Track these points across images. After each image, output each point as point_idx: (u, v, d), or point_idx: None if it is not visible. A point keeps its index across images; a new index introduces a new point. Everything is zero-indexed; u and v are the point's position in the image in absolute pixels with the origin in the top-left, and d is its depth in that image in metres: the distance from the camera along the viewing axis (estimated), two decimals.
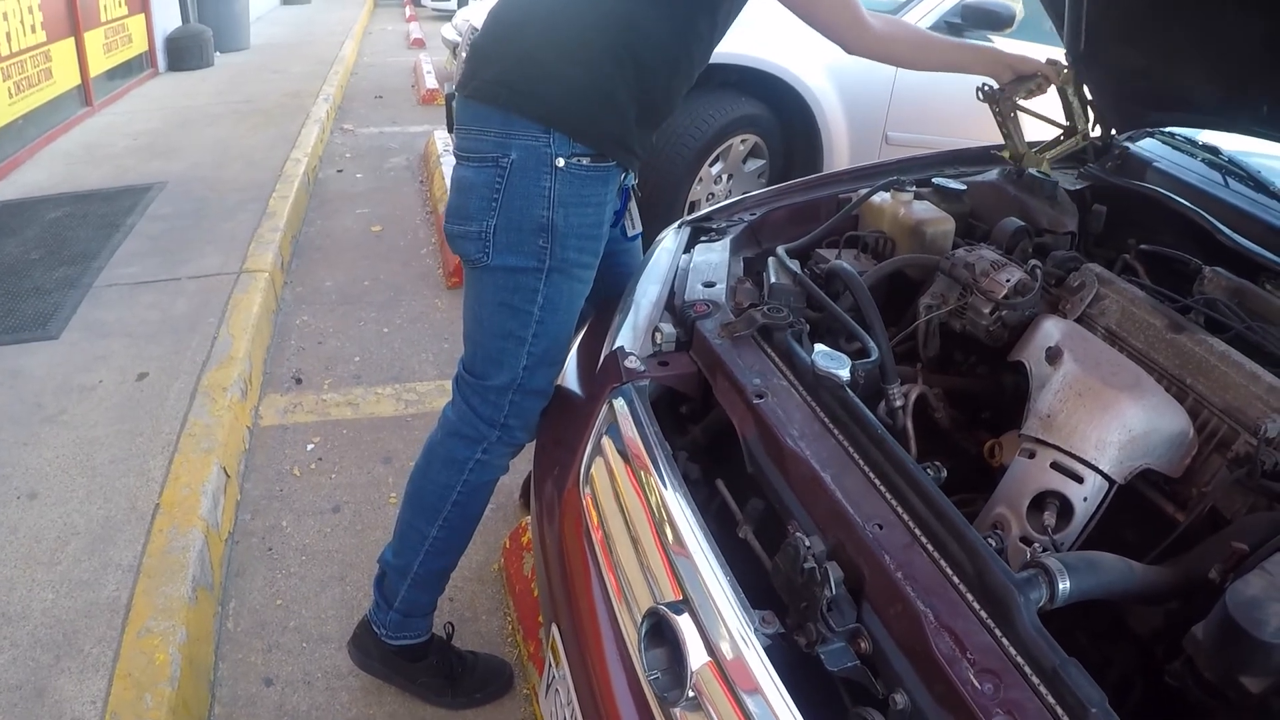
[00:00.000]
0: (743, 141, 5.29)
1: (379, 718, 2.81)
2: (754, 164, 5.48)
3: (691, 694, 1.45)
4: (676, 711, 1.48)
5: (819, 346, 1.83)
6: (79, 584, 3.05)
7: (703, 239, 2.50)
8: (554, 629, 1.96)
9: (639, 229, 2.55)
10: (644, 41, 2.12)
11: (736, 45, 4.74)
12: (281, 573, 3.36)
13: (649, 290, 2.29)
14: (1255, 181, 2.85)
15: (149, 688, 2.61)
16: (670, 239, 2.53)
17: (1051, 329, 2.05)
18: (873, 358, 1.92)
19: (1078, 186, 2.91)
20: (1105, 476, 1.81)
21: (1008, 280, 2.17)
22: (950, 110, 5.15)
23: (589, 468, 1.98)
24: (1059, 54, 2.98)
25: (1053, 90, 2.86)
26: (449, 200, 2.24)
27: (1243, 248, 2.47)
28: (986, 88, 2.75)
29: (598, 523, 1.88)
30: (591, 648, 1.76)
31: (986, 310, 2.16)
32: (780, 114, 5.35)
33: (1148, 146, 3.24)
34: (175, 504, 3.38)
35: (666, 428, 1.98)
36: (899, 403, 2.05)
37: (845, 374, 1.76)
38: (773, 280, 2.22)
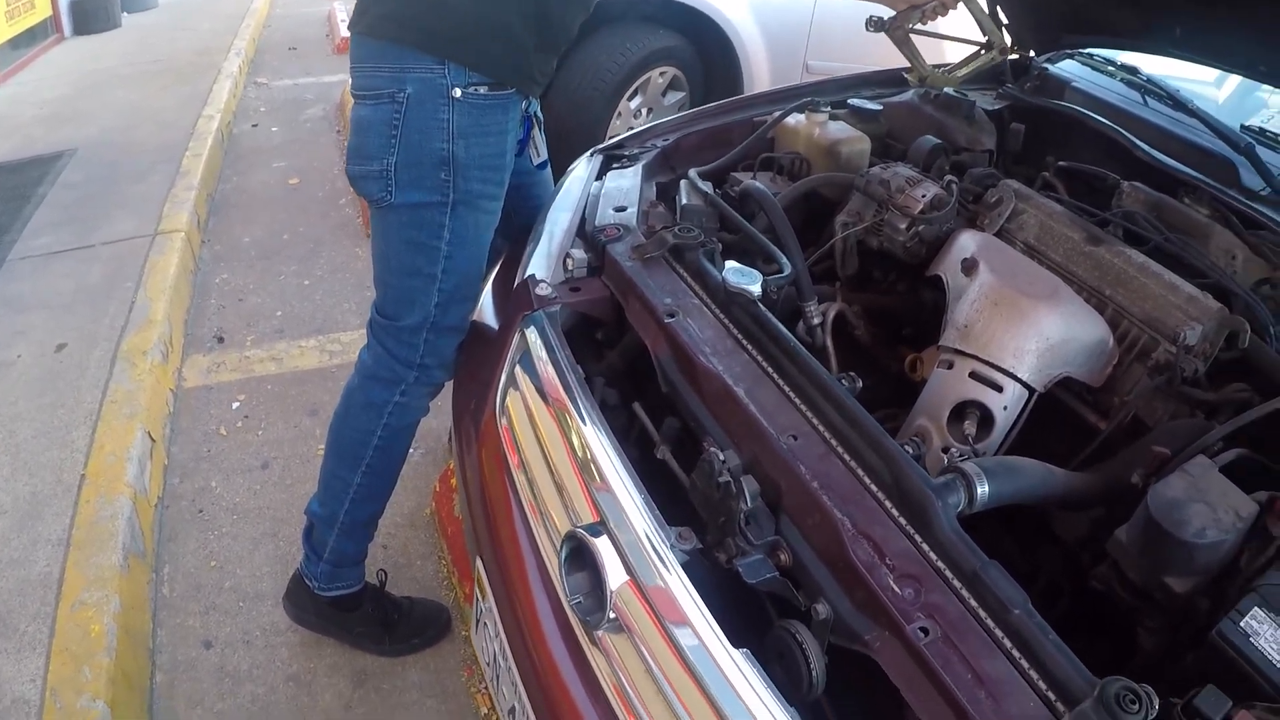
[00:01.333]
0: (661, 74, 5.21)
1: (319, 671, 2.78)
2: (674, 96, 5.40)
3: (613, 615, 1.44)
4: (600, 634, 1.47)
5: (730, 263, 1.80)
6: (9, 563, 2.98)
7: (615, 166, 2.46)
8: (479, 562, 1.94)
9: (544, 156, 2.51)
10: None
11: None
12: (214, 534, 3.31)
13: (560, 218, 2.26)
14: (1173, 100, 2.84)
15: (87, 660, 2.57)
16: (582, 167, 2.49)
17: (968, 241, 2.04)
18: (785, 273, 1.90)
19: (996, 107, 2.90)
20: (1024, 385, 1.81)
21: (923, 196, 2.15)
22: (873, 37, 5.07)
23: (504, 398, 1.95)
24: None
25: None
26: (349, 142, 2.19)
27: (1161, 163, 2.47)
28: (874, 18, 2.71)
29: (515, 452, 1.85)
30: (515, 578, 1.74)
31: (903, 226, 2.13)
32: (699, 46, 5.28)
33: (1066, 68, 3.23)
34: (101, 473, 3.30)
35: (583, 355, 1.96)
36: (817, 320, 2.03)
37: (756, 289, 1.74)
38: (684, 202, 2.19)
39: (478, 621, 1.99)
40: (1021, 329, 1.80)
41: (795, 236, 2.07)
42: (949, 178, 2.23)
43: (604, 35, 4.94)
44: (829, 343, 2.05)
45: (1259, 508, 1.49)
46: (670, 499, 1.58)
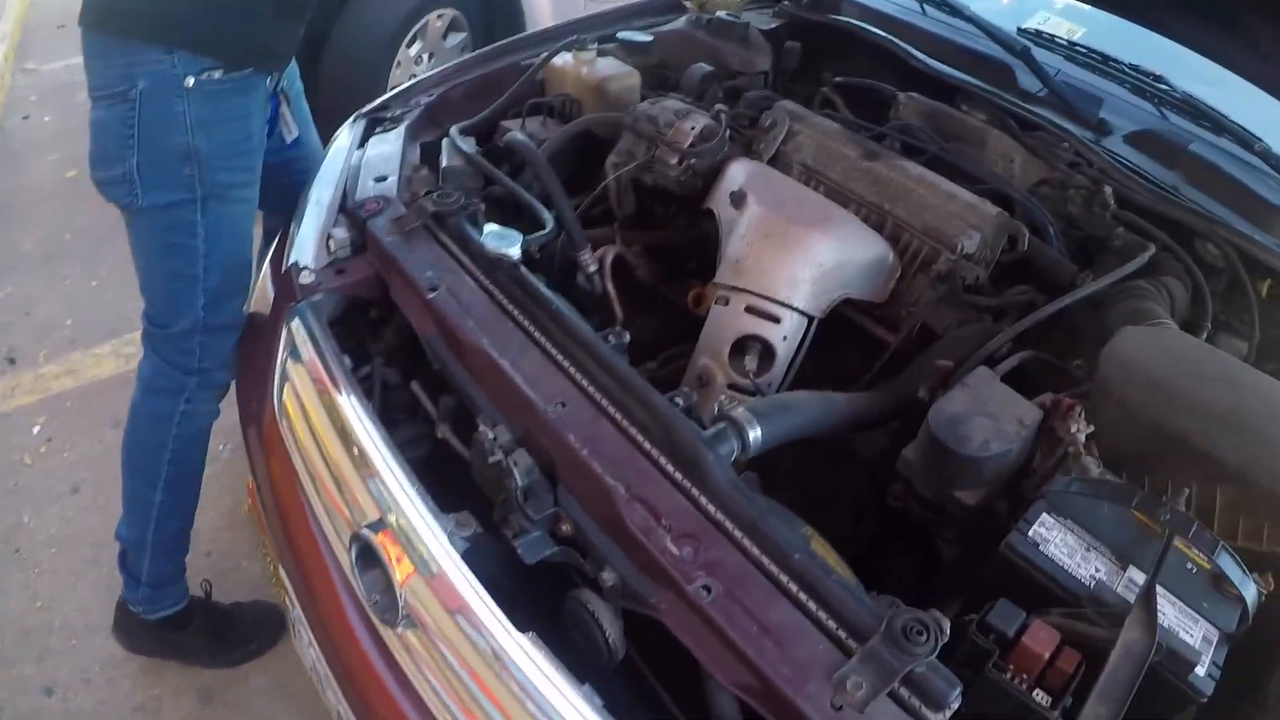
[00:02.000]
0: (439, 17, 5.01)
1: (165, 696, 2.68)
2: (455, 38, 5.21)
3: (406, 612, 1.40)
4: (400, 631, 1.43)
5: (489, 227, 1.73)
6: None
7: (378, 130, 2.34)
8: (281, 570, 1.86)
9: (296, 132, 2.39)
10: None
11: None
12: (35, 572, 3.12)
13: (323, 194, 2.13)
14: (950, 7, 2.84)
15: None
16: (345, 135, 2.36)
17: (737, 172, 1.99)
18: (546, 230, 1.82)
19: (772, 25, 2.84)
20: (802, 313, 1.77)
21: (693, 128, 2.09)
22: None
23: (280, 397, 1.87)
24: None
25: None
26: (90, 148, 2.07)
27: (937, 71, 2.47)
28: None
29: (298, 453, 1.77)
30: (318, 583, 1.68)
31: (674, 161, 2.08)
32: None
33: None
34: None
35: (361, 334, 1.92)
36: (593, 268, 1.98)
37: (515, 252, 1.66)
38: (445, 164, 2.09)
39: (294, 628, 1.92)
40: (793, 258, 1.76)
41: (561, 186, 2.01)
42: (718, 107, 2.18)
43: None
44: (610, 288, 2.02)
45: (1043, 412, 1.50)
46: (462, 480, 1.54)
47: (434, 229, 1.87)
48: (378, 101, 2.49)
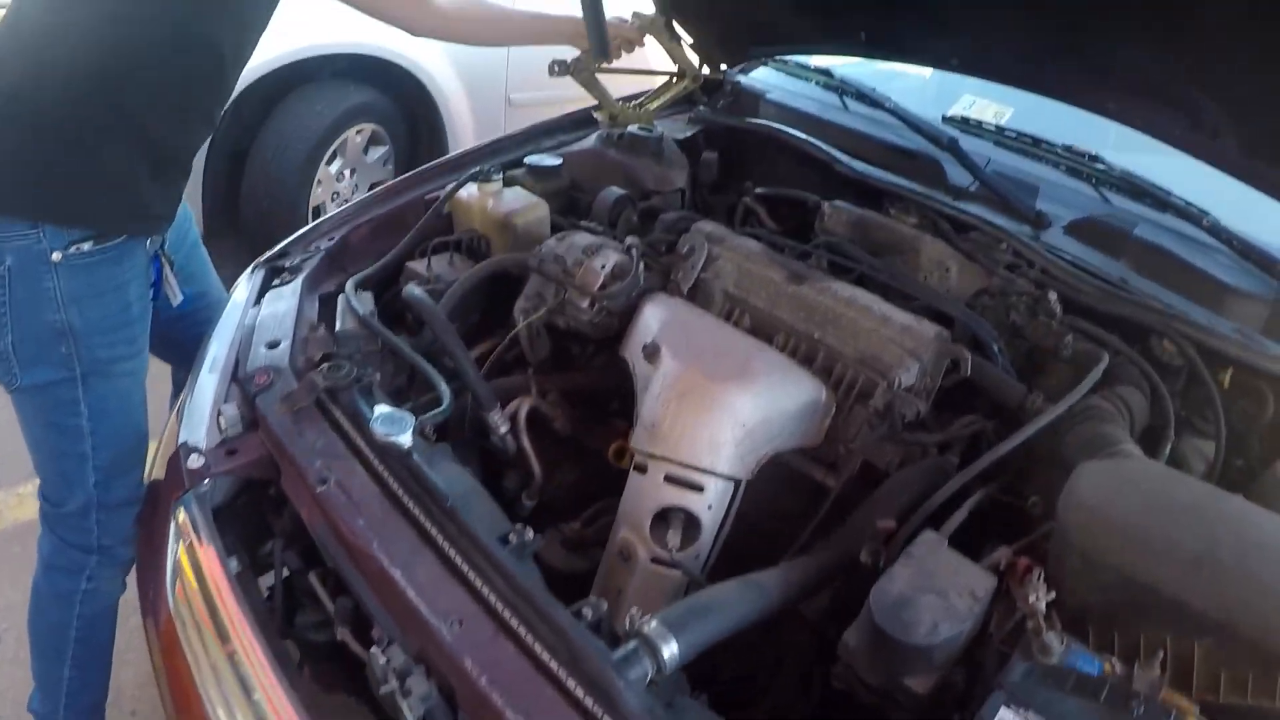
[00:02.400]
0: (359, 132, 4.91)
1: None
2: (376, 152, 5.11)
3: None
4: None
5: (379, 409, 1.58)
6: None
7: (275, 282, 2.20)
8: None
9: (180, 297, 2.23)
10: (131, 94, 1.85)
11: (336, 34, 4.48)
12: None
13: (217, 357, 1.99)
14: (871, 100, 2.74)
15: None
16: (242, 287, 2.22)
17: (650, 319, 1.86)
18: (443, 406, 1.67)
19: (688, 133, 2.74)
20: (727, 478, 1.65)
21: (603, 267, 1.97)
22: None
23: (172, 589, 1.71)
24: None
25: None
26: None
27: (862, 175, 2.37)
28: (557, 63, 2.55)
29: (189, 653, 1.60)
30: None
31: (585, 304, 1.95)
32: (395, 95, 5.03)
33: (761, 77, 3.12)
34: None
35: (264, 509, 1.79)
36: (504, 429, 1.83)
37: (406, 439, 1.51)
38: (339, 326, 1.94)
39: None
40: (713, 420, 1.62)
41: (461, 346, 1.88)
42: (630, 241, 2.05)
43: (291, 102, 4.65)
44: (525, 444, 1.88)
45: (997, 577, 1.39)
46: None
47: (327, 404, 1.72)
48: (277, 248, 2.34)
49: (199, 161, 4.21)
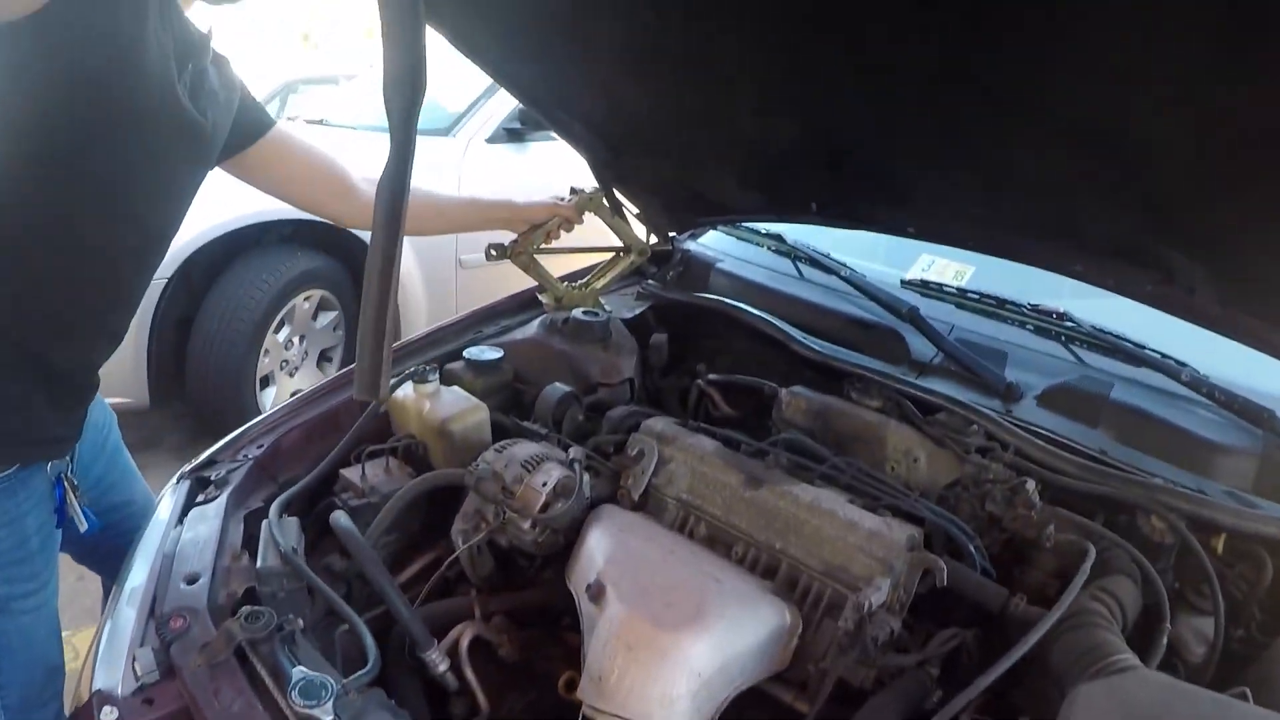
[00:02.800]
0: (307, 299, 4.85)
1: None
2: (326, 317, 5.05)
3: None
4: None
5: (299, 672, 1.43)
6: None
7: (200, 498, 2.04)
8: None
9: (87, 524, 2.08)
10: (9, 317, 1.74)
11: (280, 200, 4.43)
12: None
13: (134, 591, 1.81)
14: (825, 268, 2.66)
15: None
16: (165, 503, 2.06)
17: (594, 548, 1.72)
18: (369, 667, 1.52)
19: (636, 311, 2.65)
20: None
21: (544, 485, 1.83)
22: None
23: None
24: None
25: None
26: None
27: (820, 354, 2.27)
28: (494, 247, 2.44)
29: None
30: None
31: (527, 525, 1.80)
32: (344, 259, 4.97)
33: (711, 242, 3.05)
34: None
35: None
36: (442, 667, 1.68)
37: (328, 712, 1.36)
38: (260, 563, 1.79)
39: None
40: (665, 674, 1.47)
41: (392, 583, 1.72)
42: (572, 453, 1.92)
43: (237, 269, 4.59)
44: (470, 678, 1.72)
45: None
46: None
47: (247, 654, 1.56)
48: (203, 456, 2.19)
49: (144, 328, 4.17)
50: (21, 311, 1.75)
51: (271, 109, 9.72)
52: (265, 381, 4.80)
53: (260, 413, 4.48)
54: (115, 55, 1.63)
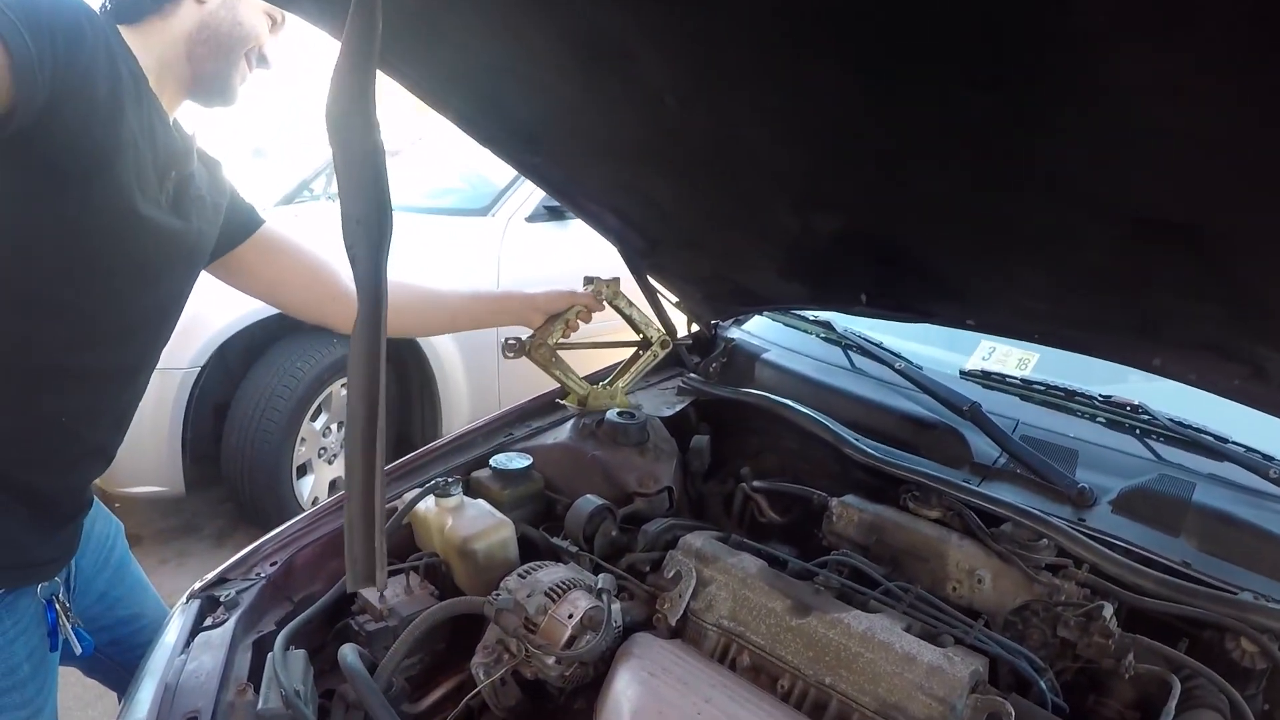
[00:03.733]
0: (344, 385, 4.69)
1: None
2: None
3: None
4: None
5: None
6: None
7: (208, 621, 1.91)
8: None
9: (81, 647, 1.98)
10: None
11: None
12: None
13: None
14: (880, 360, 2.53)
15: None
16: (174, 625, 1.94)
17: (621, 698, 1.56)
18: None
19: (678, 408, 2.52)
20: None
21: (570, 616, 1.69)
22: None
23: None
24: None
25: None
26: None
27: (874, 459, 2.12)
28: (512, 341, 2.31)
29: None
30: None
31: (552, 661, 1.65)
32: None
33: (757, 329, 2.94)
34: None
35: None
36: None
37: None
38: (261, 702, 1.65)
39: None
40: None
41: None
42: (600, 580, 1.78)
43: (272, 355, 4.54)
44: None
45: None
46: None
47: None
48: (214, 574, 2.06)
49: (179, 415, 4.16)
50: (1, 443, 1.68)
51: (316, 186, 9.78)
52: (302, 470, 4.74)
53: (298, 502, 4.42)
54: (89, 171, 1.58)
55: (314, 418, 4.68)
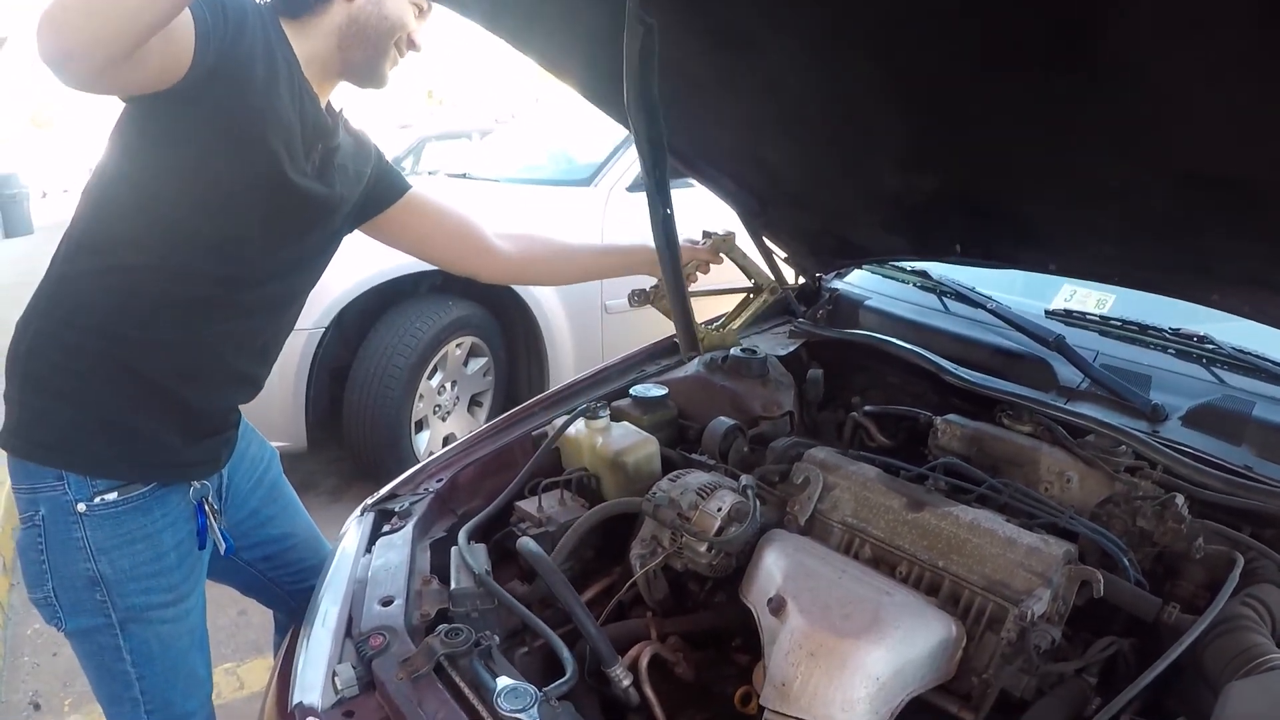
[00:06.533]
0: (459, 345, 5.01)
1: None
2: (476, 363, 5.21)
3: None
4: None
5: (502, 681, 1.55)
6: None
7: (385, 528, 2.19)
8: None
9: (225, 545, 2.19)
10: (133, 350, 1.90)
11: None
12: None
13: (328, 613, 1.95)
14: (972, 301, 2.73)
15: None
16: (352, 534, 2.20)
17: (771, 566, 1.80)
18: (567, 676, 1.64)
19: (791, 349, 2.74)
20: None
21: (719, 509, 1.93)
22: None
23: None
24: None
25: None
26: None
27: (971, 383, 2.34)
28: (637, 292, 2.53)
29: None
30: None
31: (703, 549, 1.91)
32: (493, 307, 5.12)
33: (857, 280, 3.13)
34: None
35: None
36: (626, 682, 1.77)
37: (534, 716, 1.48)
38: (454, 585, 1.92)
39: None
40: (845, 678, 1.56)
41: (580, 603, 1.83)
42: (744, 480, 2.01)
43: (391, 318, 4.77)
44: (650, 695, 1.81)
45: None
46: None
47: (447, 669, 1.69)
48: (385, 490, 2.34)
49: (302, 375, 4.43)
50: (153, 356, 1.91)
51: (406, 164, 10.02)
52: (419, 426, 4.96)
53: (415, 456, 4.67)
54: (243, 136, 1.83)
55: (430, 376, 4.91)
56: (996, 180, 2.11)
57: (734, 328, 2.73)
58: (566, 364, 5.27)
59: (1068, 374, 2.42)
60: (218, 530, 2.15)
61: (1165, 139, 1.65)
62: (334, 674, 1.76)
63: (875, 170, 2.30)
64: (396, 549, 2.08)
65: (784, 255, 2.92)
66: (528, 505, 2.20)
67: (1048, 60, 1.56)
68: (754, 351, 2.61)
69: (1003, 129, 1.86)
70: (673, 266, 1.88)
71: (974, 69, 1.68)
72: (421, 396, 4.88)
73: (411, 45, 2.10)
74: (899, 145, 2.14)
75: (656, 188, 1.85)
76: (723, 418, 2.33)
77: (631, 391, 2.51)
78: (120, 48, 1.50)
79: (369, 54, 2.04)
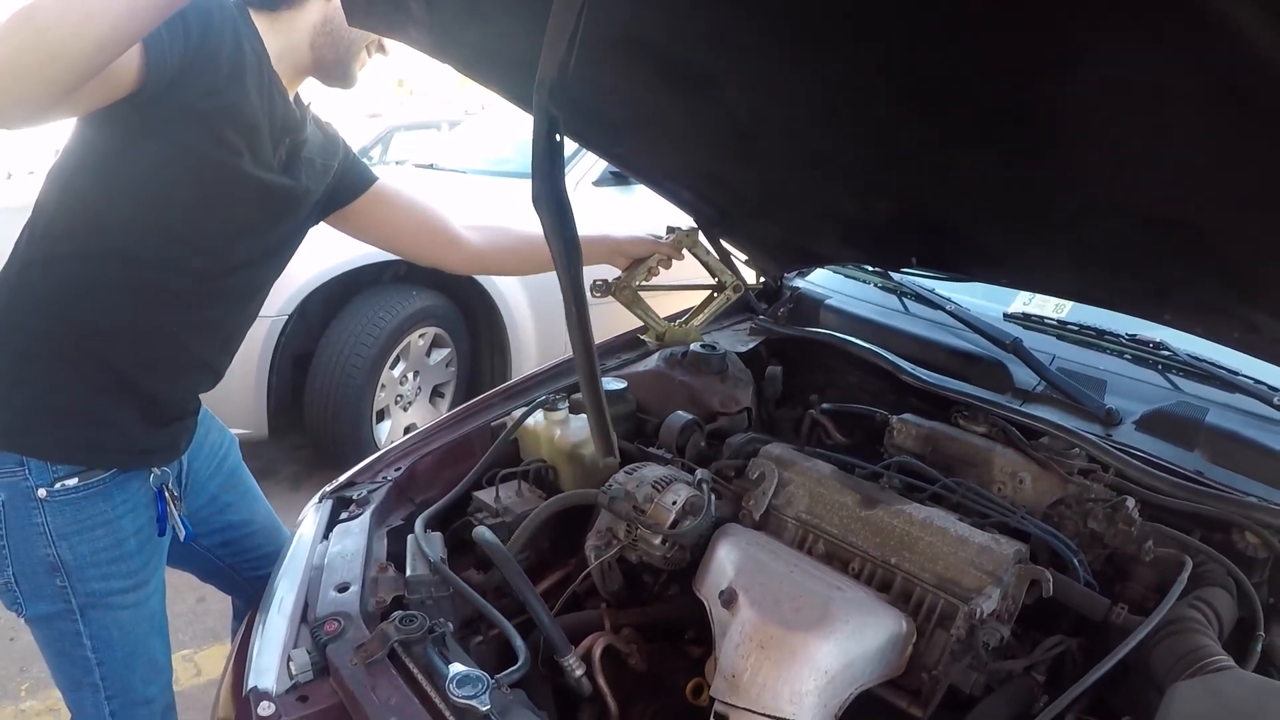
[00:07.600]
0: (421, 335, 5.02)
1: None
2: (439, 354, 5.22)
3: None
4: None
5: (455, 668, 1.56)
6: None
7: (343, 515, 2.20)
8: None
9: (185, 531, 2.20)
10: (94, 337, 1.89)
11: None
12: None
13: (284, 599, 1.96)
14: (931, 303, 2.76)
15: None
16: (309, 520, 2.21)
17: (724, 559, 1.82)
18: (519, 664, 1.65)
19: (750, 345, 2.76)
20: None
21: (674, 503, 1.94)
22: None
23: None
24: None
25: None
26: None
27: (928, 384, 2.37)
28: (599, 282, 2.54)
29: None
30: None
31: (658, 541, 1.92)
32: (457, 298, 5.13)
33: (819, 280, 3.15)
34: None
35: None
36: (579, 672, 1.79)
37: (485, 703, 1.49)
38: (410, 572, 1.93)
39: None
40: (795, 671, 1.58)
41: (534, 592, 1.85)
42: (699, 474, 2.04)
43: (355, 306, 4.78)
44: (602, 685, 1.83)
45: None
46: None
47: (401, 655, 1.69)
48: (343, 478, 2.34)
49: (264, 363, 4.42)
50: (115, 344, 1.91)
51: (374, 153, 10.01)
52: (380, 415, 4.97)
53: (376, 445, 4.68)
54: (207, 131, 1.83)
55: (393, 366, 4.92)
56: (950, 206, 2.13)
57: (696, 324, 2.74)
58: (530, 356, 5.28)
59: (1024, 376, 2.44)
60: (177, 517, 2.15)
61: (1119, 185, 1.68)
62: (289, 659, 1.76)
63: (833, 194, 2.32)
64: (353, 536, 2.09)
65: (744, 258, 2.92)
66: (485, 495, 2.22)
67: (1000, 108, 1.58)
68: (714, 348, 2.63)
69: (957, 165, 1.88)
70: (589, 373, 1.75)
71: (929, 110, 1.69)
72: (383, 386, 4.89)
73: (380, 49, 2.13)
74: (856, 171, 2.16)
75: (572, 288, 1.80)
76: (681, 412, 2.36)
77: None
78: (51, 99, 1.50)
79: (340, 54, 2.05)
